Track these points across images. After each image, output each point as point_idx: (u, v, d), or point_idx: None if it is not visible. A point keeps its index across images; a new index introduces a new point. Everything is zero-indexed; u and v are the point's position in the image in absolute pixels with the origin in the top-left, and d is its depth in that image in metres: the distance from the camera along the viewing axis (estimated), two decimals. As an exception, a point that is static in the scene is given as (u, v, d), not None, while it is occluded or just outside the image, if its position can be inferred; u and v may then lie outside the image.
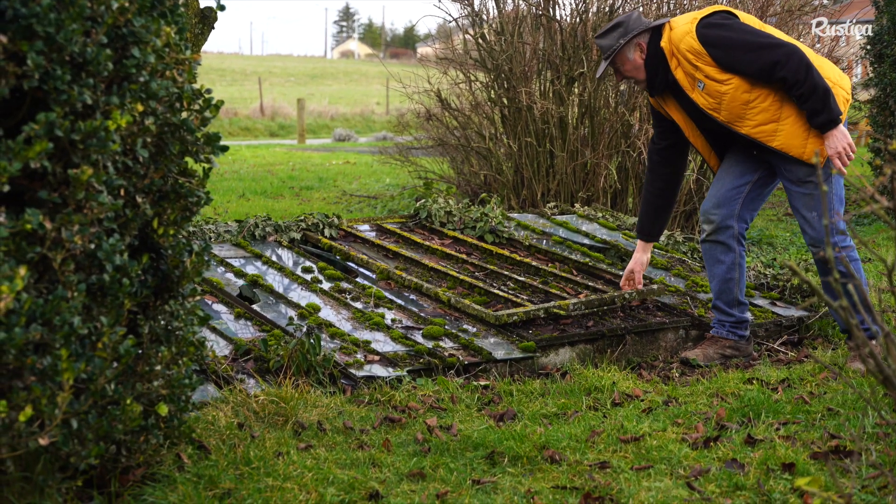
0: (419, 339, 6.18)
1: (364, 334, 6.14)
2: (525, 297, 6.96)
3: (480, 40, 12.21)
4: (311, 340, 5.52)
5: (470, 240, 8.20)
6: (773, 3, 11.45)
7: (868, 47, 12.77)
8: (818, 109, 5.95)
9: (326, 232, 7.78)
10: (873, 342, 5.86)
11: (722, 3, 6.43)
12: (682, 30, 6.16)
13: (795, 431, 4.89)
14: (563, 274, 7.62)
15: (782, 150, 6.13)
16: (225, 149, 3.64)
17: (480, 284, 7.20)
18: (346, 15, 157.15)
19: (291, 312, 6.33)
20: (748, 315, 6.63)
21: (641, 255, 6.86)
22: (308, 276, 6.95)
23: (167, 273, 3.61)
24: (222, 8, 3.95)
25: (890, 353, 3.00)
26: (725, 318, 6.58)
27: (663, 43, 6.24)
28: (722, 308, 6.59)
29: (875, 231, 11.63)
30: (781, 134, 6.11)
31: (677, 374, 6.27)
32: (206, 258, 3.74)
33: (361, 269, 7.32)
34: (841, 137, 5.98)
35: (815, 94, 5.93)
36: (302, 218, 7.90)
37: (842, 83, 6.12)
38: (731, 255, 6.51)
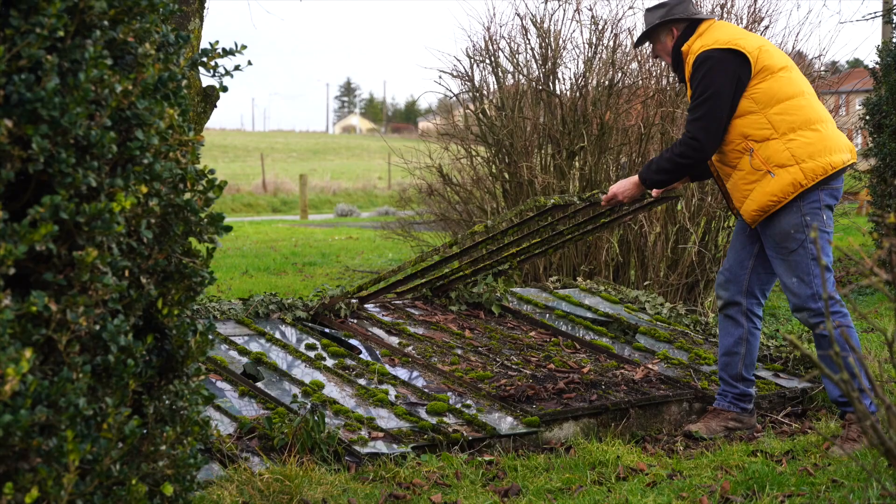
0: (423, 414, 6.18)
1: (368, 411, 6.14)
2: (529, 372, 6.97)
3: (481, 115, 12.27)
4: (316, 418, 5.52)
5: (475, 315, 8.22)
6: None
7: (867, 117, 12.84)
8: (652, 167, 6.50)
9: (342, 313, 7.78)
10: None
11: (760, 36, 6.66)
12: (699, 45, 6.35)
13: (800, 504, 4.89)
14: (566, 348, 7.64)
15: (729, 193, 6.38)
16: (228, 229, 3.66)
17: (484, 360, 7.21)
18: (348, 90, 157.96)
19: (295, 390, 6.33)
20: (753, 390, 6.62)
21: None
22: (312, 353, 6.96)
23: (172, 353, 3.62)
24: (224, 89, 4.00)
25: (892, 424, 3.01)
26: (729, 388, 6.58)
27: (684, 48, 6.46)
28: (726, 380, 6.59)
29: (877, 301, 11.64)
30: (731, 180, 6.33)
31: (681, 448, 6.26)
32: (211, 337, 3.76)
33: (365, 346, 7.32)
34: (629, 188, 6.67)
35: (664, 161, 6.43)
36: (320, 291, 7.90)
37: (805, 166, 6.11)
38: (740, 331, 6.52)
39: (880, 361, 3.04)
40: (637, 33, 11.56)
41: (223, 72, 3.96)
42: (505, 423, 6.21)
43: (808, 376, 7.15)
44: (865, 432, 2.97)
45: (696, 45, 6.31)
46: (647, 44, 6.85)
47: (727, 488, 5.20)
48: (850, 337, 6.02)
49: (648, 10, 6.58)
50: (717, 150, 6.28)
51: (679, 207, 11.02)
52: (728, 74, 6.16)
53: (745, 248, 6.47)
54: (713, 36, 6.29)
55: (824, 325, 6.12)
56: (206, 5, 8.63)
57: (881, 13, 17.39)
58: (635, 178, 6.56)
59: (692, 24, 6.45)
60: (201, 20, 8.52)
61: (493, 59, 12.23)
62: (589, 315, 8.52)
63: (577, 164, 11.57)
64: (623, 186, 6.63)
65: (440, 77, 12.92)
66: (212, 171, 3.70)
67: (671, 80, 11.40)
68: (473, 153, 12.62)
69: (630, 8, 11.89)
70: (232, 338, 7.02)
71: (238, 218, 33.79)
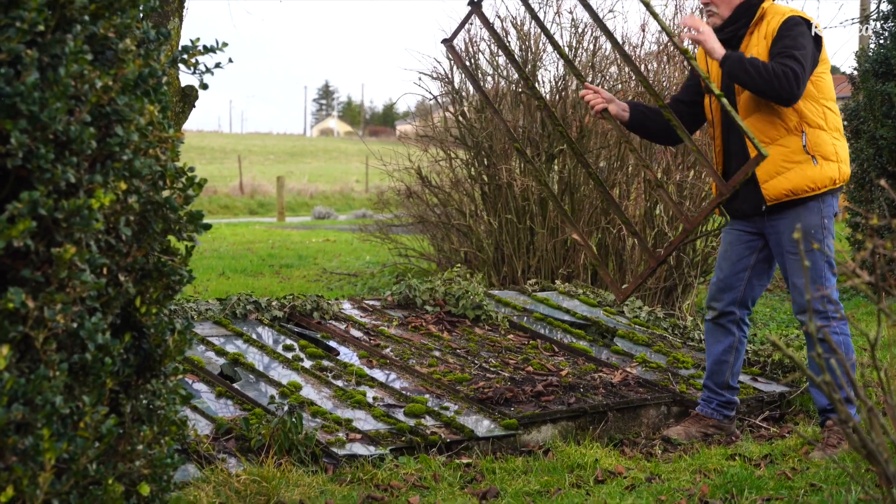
0: (401, 416, 6.16)
1: (346, 412, 6.12)
2: (507, 375, 6.95)
3: (460, 117, 12.27)
4: (293, 419, 5.50)
5: (451, 318, 8.20)
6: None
7: (845, 123, 12.88)
8: (745, 58, 5.98)
9: (315, 315, 7.76)
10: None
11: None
12: (782, 9, 6.17)
13: (779, 508, 4.88)
14: (545, 351, 7.63)
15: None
16: (207, 227, 3.64)
17: (462, 362, 7.20)
18: (326, 93, 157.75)
19: (273, 391, 6.31)
20: (737, 399, 6.63)
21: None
22: (289, 355, 6.93)
23: (149, 352, 3.60)
24: (205, 87, 3.97)
25: (873, 427, 3.00)
26: (714, 396, 6.58)
27: (766, 4, 6.23)
28: (711, 388, 6.58)
29: (854, 306, 11.66)
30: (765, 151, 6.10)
31: (660, 451, 6.26)
32: (189, 337, 3.73)
33: (343, 348, 7.30)
34: (711, 38, 6.02)
35: (759, 64, 5.95)
36: (291, 296, 7.90)
37: (842, 167, 6.16)
38: (730, 339, 6.51)
39: (862, 364, 3.04)
40: (617, 34, 11.58)
41: (204, 69, 3.94)
42: (483, 425, 6.19)
43: (786, 380, 7.17)
44: (848, 435, 2.96)
45: (780, 8, 6.19)
46: None
47: (706, 492, 5.19)
48: (844, 345, 6.04)
49: None
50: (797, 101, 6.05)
51: (657, 212, 11.04)
52: (812, 47, 6.05)
53: (743, 259, 6.41)
54: (790, 7, 6.22)
55: (827, 330, 6.09)
56: (185, 5, 8.61)
57: (859, 19, 17.46)
58: (722, 48, 6.07)
59: None
60: (181, 20, 8.50)
61: (473, 60, 12.24)
62: (567, 318, 8.51)
63: (556, 167, 11.57)
64: (710, 34, 6.05)
65: (420, 79, 12.98)
66: (191, 169, 3.68)
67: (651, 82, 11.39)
68: (452, 156, 12.62)
69: (610, 11, 11.88)
70: (209, 338, 6.99)
71: (215, 220, 33.70)
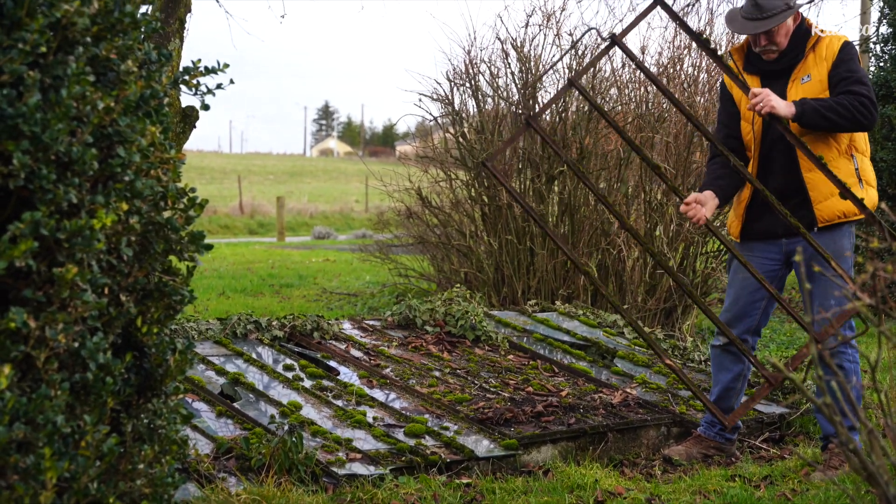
0: (401, 436, 6.16)
1: (346, 432, 6.12)
2: (507, 395, 6.95)
3: (461, 139, 12.28)
4: (293, 438, 5.50)
5: (451, 338, 8.20)
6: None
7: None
8: (820, 102, 5.98)
9: (315, 335, 7.77)
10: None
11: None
12: (831, 35, 6.22)
13: (779, 529, 4.88)
14: (545, 372, 7.63)
15: (807, 184, 6.13)
16: (209, 247, 3.64)
17: (462, 382, 7.20)
18: (326, 113, 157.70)
19: (273, 410, 6.31)
20: (740, 422, 6.61)
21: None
22: (289, 374, 6.93)
23: (150, 371, 3.60)
24: (206, 108, 3.98)
25: (873, 449, 3.00)
26: (717, 420, 6.56)
27: (816, 29, 6.27)
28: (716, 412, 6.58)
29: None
30: (818, 173, 6.09)
31: (659, 472, 6.25)
32: (190, 356, 3.74)
33: (343, 367, 7.30)
34: (779, 101, 5.98)
35: (834, 104, 5.97)
36: (291, 315, 7.91)
37: (874, 186, 6.20)
38: (740, 367, 6.49)
39: (863, 386, 3.06)
40: (616, 57, 11.61)
41: (205, 90, 3.95)
42: (483, 445, 6.19)
43: (786, 402, 7.16)
44: (848, 457, 2.97)
45: (829, 34, 6.23)
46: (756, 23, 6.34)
47: (705, 513, 5.19)
48: (855, 373, 6.02)
49: None
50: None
51: (657, 233, 11.04)
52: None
53: (762, 289, 6.37)
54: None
55: (842, 357, 6.07)
56: (186, 26, 8.64)
57: (858, 42, 17.48)
58: (790, 103, 6.04)
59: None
60: (181, 41, 8.52)
61: (473, 82, 12.26)
62: (567, 339, 8.51)
63: (556, 188, 11.58)
64: (777, 101, 6.00)
65: (420, 100, 12.95)
66: (193, 190, 3.69)
67: (650, 105, 11.43)
68: (452, 176, 12.62)
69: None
70: (210, 358, 7.00)
71: (215, 239, 33.65)
